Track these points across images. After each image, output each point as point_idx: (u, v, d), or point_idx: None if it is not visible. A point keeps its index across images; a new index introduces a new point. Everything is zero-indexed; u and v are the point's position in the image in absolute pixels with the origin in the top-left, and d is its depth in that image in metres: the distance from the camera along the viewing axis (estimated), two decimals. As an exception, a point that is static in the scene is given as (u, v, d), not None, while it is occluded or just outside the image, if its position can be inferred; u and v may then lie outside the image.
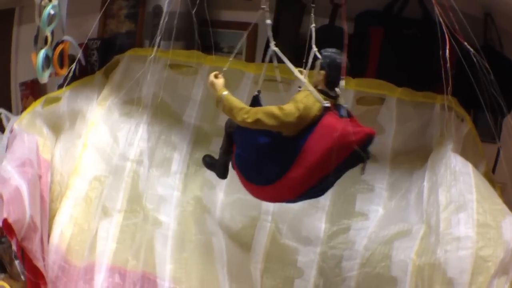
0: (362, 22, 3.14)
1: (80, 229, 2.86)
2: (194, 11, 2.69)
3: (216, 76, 2.31)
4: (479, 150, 2.90)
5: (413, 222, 2.74)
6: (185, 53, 3.08)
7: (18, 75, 3.92)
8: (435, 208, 2.57)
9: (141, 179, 3.07)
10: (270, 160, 2.29)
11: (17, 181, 2.64)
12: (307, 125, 2.18)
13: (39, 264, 2.70)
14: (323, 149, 2.14)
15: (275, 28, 3.20)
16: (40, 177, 2.83)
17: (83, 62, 3.19)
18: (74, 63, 2.71)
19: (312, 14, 2.41)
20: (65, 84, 2.86)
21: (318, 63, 2.23)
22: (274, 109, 2.17)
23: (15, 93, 3.92)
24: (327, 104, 2.17)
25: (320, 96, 2.17)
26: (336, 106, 2.22)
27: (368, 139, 2.13)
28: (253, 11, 2.44)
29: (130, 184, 3.05)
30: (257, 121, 2.18)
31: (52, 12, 2.69)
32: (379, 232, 2.88)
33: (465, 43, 2.28)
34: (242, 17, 3.01)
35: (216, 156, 2.70)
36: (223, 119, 3.19)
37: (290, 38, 3.13)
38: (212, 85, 2.30)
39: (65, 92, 3.10)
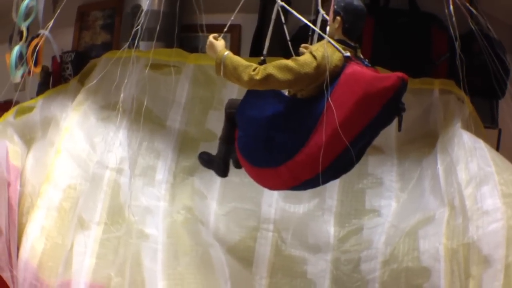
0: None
1: (53, 243, 2.50)
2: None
3: (215, 38, 2.02)
4: (482, 132, 2.82)
5: (434, 208, 2.59)
6: (167, 52, 2.91)
7: (-10, 97, 3.69)
8: (456, 188, 2.46)
9: (122, 189, 2.79)
10: (285, 132, 2.00)
11: (-20, 176, 2.36)
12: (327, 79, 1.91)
13: (4, 275, 2.38)
14: (353, 101, 1.87)
15: (260, 27, 3.17)
16: (9, 184, 2.57)
17: (58, 59, 2.98)
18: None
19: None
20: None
21: (331, 11, 2.00)
22: (287, 61, 1.90)
23: (-13, 115, 3.70)
24: (347, 54, 1.94)
25: (338, 46, 1.94)
26: (357, 58, 1.99)
27: (403, 84, 1.87)
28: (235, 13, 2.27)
29: (110, 194, 2.76)
30: (268, 77, 1.87)
31: (30, 4, 2.60)
32: (398, 225, 2.71)
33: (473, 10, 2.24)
34: (224, 19, 2.86)
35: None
36: (211, 121, 3.01)
37: (277, 36, 3.02)
38: (211, 47, 2.00)
39: (38, 101, 2.91)
